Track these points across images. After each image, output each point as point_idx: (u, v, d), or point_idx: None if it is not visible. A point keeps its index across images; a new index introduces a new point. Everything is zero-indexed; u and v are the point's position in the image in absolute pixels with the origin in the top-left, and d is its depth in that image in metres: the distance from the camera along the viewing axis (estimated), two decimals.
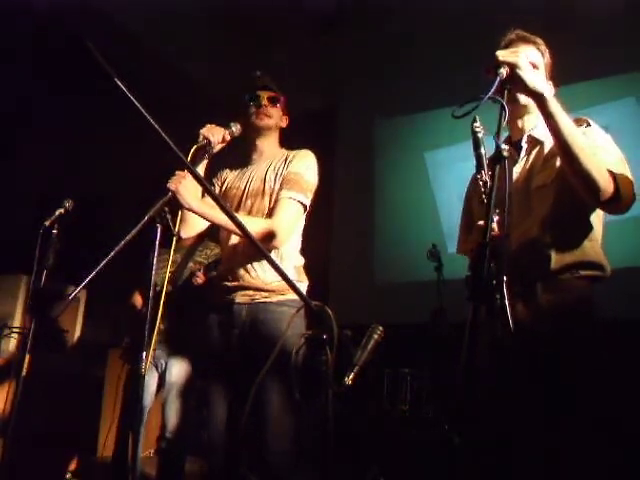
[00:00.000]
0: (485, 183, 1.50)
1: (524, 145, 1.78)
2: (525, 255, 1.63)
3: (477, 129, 1.45)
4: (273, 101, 2.33)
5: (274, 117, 2.33)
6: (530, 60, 1.67)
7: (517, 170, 1.76)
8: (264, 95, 2.32)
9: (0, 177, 4.63)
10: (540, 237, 1.64)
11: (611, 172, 1.55)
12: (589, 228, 1.66)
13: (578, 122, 1.69)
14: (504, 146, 1.30)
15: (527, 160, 1.76)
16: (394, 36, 4.57)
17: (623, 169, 1.60)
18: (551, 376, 1.50)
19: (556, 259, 1.62)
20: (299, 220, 2.22)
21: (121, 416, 3.03)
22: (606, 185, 1.53)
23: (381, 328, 1.59)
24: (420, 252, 4.11)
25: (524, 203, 1.70)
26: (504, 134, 1.54)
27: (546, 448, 1.47)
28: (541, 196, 1.67)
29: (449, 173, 4.88)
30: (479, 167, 1.49)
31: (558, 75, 1.83)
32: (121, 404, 3.05)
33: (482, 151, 1.47)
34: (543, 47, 1.80)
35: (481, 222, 1.51)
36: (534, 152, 1.75)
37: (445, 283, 3.74)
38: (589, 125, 1.71)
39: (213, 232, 2.44)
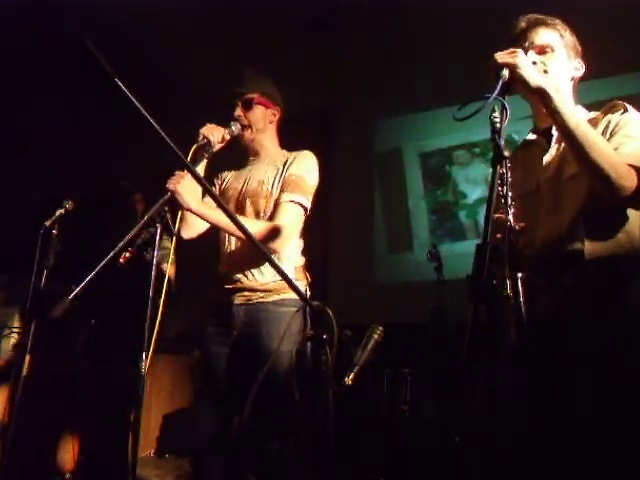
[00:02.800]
0: (502, 175, 1.47)
1: (555, 133, 1.68)
2: (554, 248, 1.56)
3: (495, 119, 1.39)
4: (247, 105, 2.27)
5: (253, 122, 2.27)
6: (543, 43, 1.65)
7: (547, 159, 1.68)
8: (237, 102, 2.27)
9: (0, 177, 4.63)
10: (572, 229, 1.55)
11: (636, 167, 1.46)
12: (624, 219, 1.56)
13: (614, 107, 1.62)
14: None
15: (558, 149, 1.67)
16: (394, 36, 4.57)
17: None
18: (580, 377, 1.44)
19: (589, 252, 1.52)
20: (300, 223, 2.20)
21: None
22: (623, 183, 1.44)
23: (381, 328, 1.58)
24: (420, 252, 4.11)
25: (555, 193, 1.61)
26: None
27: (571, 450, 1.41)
28: (573, 186, 1.58)
29: (449, 174, 4.88)
30: (496, 158, 1.47)
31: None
32: None
33: (500, 142, 1.42)
34: (560, 26, 1.73)
35: (499, 215, 1.48)
36: None
37: (445, 283, 3.74)
38: (626, 111, 1.60)
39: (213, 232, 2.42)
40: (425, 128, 5.09)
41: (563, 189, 1.60)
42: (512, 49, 1.50)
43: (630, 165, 1.47)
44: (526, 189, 1.65)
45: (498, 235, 1.44)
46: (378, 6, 4.24)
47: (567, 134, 1.48)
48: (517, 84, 1.47)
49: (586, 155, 1.45)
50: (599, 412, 1.40)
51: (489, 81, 1.44)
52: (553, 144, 1.68)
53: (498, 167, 1.42)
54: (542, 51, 1.66)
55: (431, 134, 5.02)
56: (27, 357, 2.39)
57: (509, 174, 1.45)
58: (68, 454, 3.67)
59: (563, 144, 1.63)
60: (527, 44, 1.67)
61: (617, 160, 1.46)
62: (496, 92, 1.36)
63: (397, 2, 4.19)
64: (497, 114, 1.39)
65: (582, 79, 1.78)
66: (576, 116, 1.49)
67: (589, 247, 1.52)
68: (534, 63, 1.60)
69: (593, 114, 1.70)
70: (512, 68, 1.44)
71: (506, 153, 1.26)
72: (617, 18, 3.89)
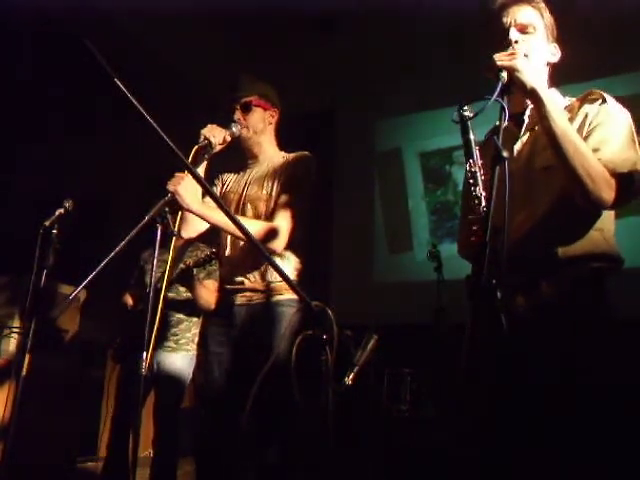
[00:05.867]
0: (474, 173, 1.43)
1: (526, 119, 1.62)
2: (527, 245, 1.50)
3: (465, 113, 1.39)
4: (246, 108, 2.28)
5: (252, 124, 2.28)
6: (526, 21, 1.60)
7: (518, 147, 1.61)
8: (236, 106, 2.28)
9: (0, 177, 4.63)
10: (544, 225, 1.51)
11: (616, 174, 1.44)
12: (598, 216, 1.52)
13: (591, 95, 1.58)
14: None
15: (530, 136, 1.61)
16: (393, 36, 4.57)
17: (634, 156, 1.46)
18: (554, 376, 1.41)
19: (562, 250, 1.48)
20: (298, 224, 2.19)
21: (114, 417, 3.01)
22: (601, 195, 1.43)
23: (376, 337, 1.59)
24: (420, 252, 4.10)
25: (525, 184, 1.55)
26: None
27: (547, 452, 1.40)
28: (546, 178, 1.52)
29: (449, 174, 4.89)
30: (467, 155, 1.42)
31: (559, 75, 1.75)
32: (114, 405, 3.03)
33: (471, 137, 1.40)
34: (542, 5, 1.64)
35: (470, 216, 1.45)
36: (538, 127, 1.56)
37: (445, 283, 3.74)
38: (605, 102, 1.55)
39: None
40: (425, 128, 5.09)
41: (535, 180, 1.56)
42: (511, 51, 1.49)
43: (612, 174, 1.44)
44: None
45: (473, 238, 1.42)
46: (378, 6, 4.24)
47: (552, 139, 1.45)
48: (515, 85, 1.45)
49: (568, 162, 1.42)
50: (578, 422, 1.38)
51: (488, 80, 1.44)
52: (524, 131, 1.63)
53: (470, 164, 1.42)
54: (524, 30, 1.60)
55: (431, 134, 5.02)
56: (27, 357, 2.39)
57: (482, 172, 1.44)
58: (69, 454, 3.67)
59: (535, 132, 1.59)
60: (509, 20, 1.60)
61: (599, 171, 1.43)
62: (495, 94, 1.36)
63: (397, 2, 4.19)
64: (468, 112, 1.39)
65: (583, 80, 1.76)
66: (563, 122, 1.46)
67: (563, 247, 1.49)
68: (516, 42, 1.55)
69: (568, 100, 1.65)
70: (510, 71, 1.43)
71: (505, 154, 1.25)
72: (616, 19, 3.90)
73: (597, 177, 1.42)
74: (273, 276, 2.12)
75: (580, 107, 1.59)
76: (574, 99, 1.64)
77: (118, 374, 3.12)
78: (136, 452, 1.69)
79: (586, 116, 1.55)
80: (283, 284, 2.10)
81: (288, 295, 2.10)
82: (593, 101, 1.57)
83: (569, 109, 1.61)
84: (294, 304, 2.08)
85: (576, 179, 1.42)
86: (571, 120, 1.56)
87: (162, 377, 2.97)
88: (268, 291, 2.13)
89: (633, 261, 1.70)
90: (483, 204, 1.41)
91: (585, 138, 1.51)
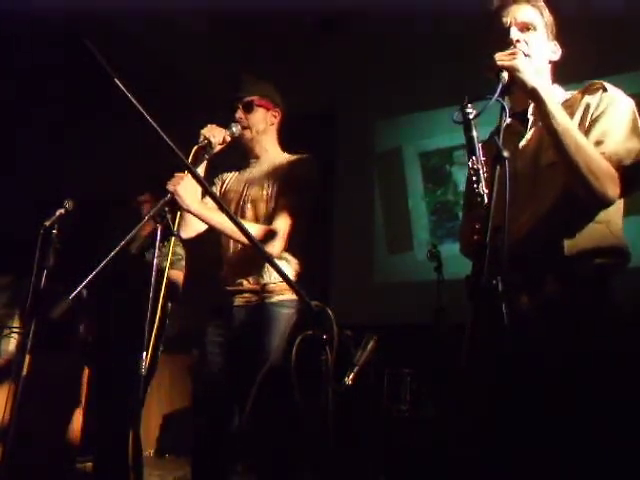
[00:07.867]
0: (477, 170, 1.43)
1: (530, 117, 1.62)
2: (532, 241, 1.49)
3: (468, 111, 1.39)
4: (248, 108, 2.27)
5: (254, 124, 2.28)
6: (526, 20, 1.60)
7: (523, 144, 1.61)
8: (238, 105, 2.27)
9: (0, 178, 4.63)
10: (548, 222, 1.49)
11: (621, 166, 1.43)
12: (602, 208, 1.49)
13: (592, 87, 1.57)
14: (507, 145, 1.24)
15: (535, 133, 1.60)
16: (393, 36, 4.57)
17: (639, 145, 1.46)
18: (555, 376, 1.41)
19: (568, 245, 1.47)
20: (298, 226, 2.17)
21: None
22: (605, 192, 1.42)
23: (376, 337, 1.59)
24: (420, 252, 4.10)
25: (531, 181, 1.55)
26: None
27: (547, 451, 1.41)
28: (551, 175, 1.51)
29: (449, 174, 4.89)
30: (470, 152, 1.42)
31: (560, 74, 1.75)
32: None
33: (474, 134, 1.40)
34: (541, 3, 1.65)
35: (473, 213, 1.45)
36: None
37: (445, 283, 3.74)
38: (605, 90, 1.54)
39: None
40: (425, 128, 5.09)
41: (540, 177, 1.55)
42: (512, 50, 1.48)
43: (617, 166, 1.44)
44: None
45: (475, 237, 1.42)
46: (378, 7, 4.24)
47: (554, 137, 1.44)
48: (515, 85, 1.45)
49: (570, 160, 1.42)
50: (582, 416, 1.38)
51: (488, 80, 1.44)
52: (529, 128, 1.63)
53: (473, 161, 1.42)
54: (524, 29, 1.60)
55: (431, 134, 5.02)
56: (27, 357, 2.39)
57: (484, 169, 1.44)
58: (69, 454, 3.67)
59: (539, 130, 1.58)
60: (509, 19, 1.60)
61: (602, 167, 1.42)
62: (496, 94, 1.35)
63: (397, 2, 4.19)
64: (470, 109, 1.39)
65: (584, 79, 1.76)
66: (564, 120, 1.45)
67: (568, 242, 1.48)
68: (517, 41, 1.55)
69: (570, 94, 1.65)
70: (511, 71, 1.42)
71: (505, 154, 1.25)
72: (616, 18, 3.89)
73: (601, 174, 1.42)
74: (272, 277, 2.12)
75: (581, 99, 1.58)
76: (575, 92, 1.64)
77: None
78: (136, 452, 1.70)
79: (587, 107, 1.55)
80: (282, 285, 2.10)
81: (287, 296, 2.10)
82: (594, 91, 1.56)
83: (571, 102, 1.60)
84: (293, 305, 2.08)
85: (579, 177, 1.42)
86: (572, 114, 1.55)
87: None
88: (267, 292, 2.13)
89: (638, 260, 1.69)
90: (486, 201, 1.41)
91: (588, 129, 1.51)
